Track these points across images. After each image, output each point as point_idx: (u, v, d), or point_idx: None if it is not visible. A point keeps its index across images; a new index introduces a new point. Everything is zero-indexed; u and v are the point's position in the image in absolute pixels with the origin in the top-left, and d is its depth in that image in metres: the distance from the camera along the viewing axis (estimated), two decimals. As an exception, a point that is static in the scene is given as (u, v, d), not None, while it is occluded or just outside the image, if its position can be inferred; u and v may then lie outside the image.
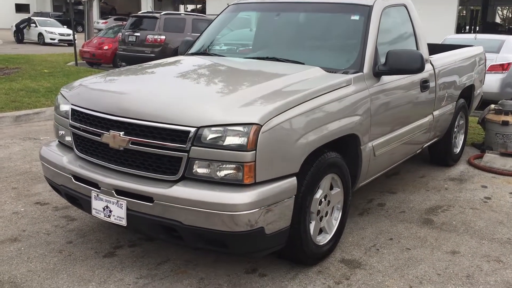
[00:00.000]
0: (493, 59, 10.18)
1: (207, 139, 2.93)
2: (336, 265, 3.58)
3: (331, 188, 3.63)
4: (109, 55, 15.86)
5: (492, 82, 10.01)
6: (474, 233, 4.20)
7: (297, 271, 3.48)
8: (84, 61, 16.79)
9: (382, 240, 4.01)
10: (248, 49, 5.06)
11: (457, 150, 6.20)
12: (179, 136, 2.98)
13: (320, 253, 3.55)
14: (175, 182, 3.02)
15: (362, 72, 3.89)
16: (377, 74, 4.00)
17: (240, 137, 2.90)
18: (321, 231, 3.61)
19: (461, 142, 6.29)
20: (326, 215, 3.60)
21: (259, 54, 4.37)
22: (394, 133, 4.32)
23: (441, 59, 5.28)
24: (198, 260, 3.58)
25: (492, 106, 6.76)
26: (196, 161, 2.97)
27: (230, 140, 2.91)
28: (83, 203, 3.43)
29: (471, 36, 11.33)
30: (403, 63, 3.89)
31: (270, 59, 4.12)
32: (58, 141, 3.78)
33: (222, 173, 2.94)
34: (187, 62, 4.32)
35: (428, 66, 4.88)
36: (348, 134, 3.63)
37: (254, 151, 2.89)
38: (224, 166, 2.93)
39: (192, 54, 4.68)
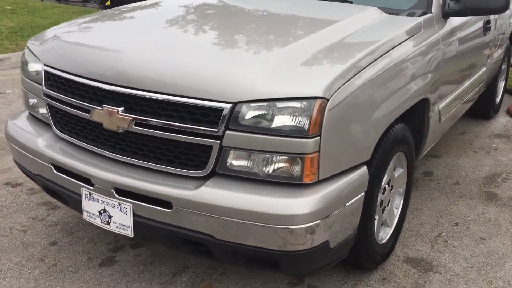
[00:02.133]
0: None
1: (248, 119, 2.02)
2: (402, 268, 2.80)
3: (394, 168, 2.79)
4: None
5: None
6: (551, 212, 3.45)
7: (355, 280, 2.69)
8: (52, -5, 15.16)
9: (447, 227, 3.23)
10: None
11: (498, 99, 5.38)
12: (207, 115, 2.06)
13: (382, 254, 2.76)
14: (202, 179, 2.13)
15: (431, 12, 2.95)
16: (447, 14, 3.06)
17: (296, 116, 1.99)
18: (381, 225, 2.80)
19: (501, 90, 5.46)
20: (388, 204, 2.78)
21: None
22: (458, 90, 3.45)
23: None
24: (226, 268, 2.75)
25: (534, 46, 5.88)
26: (232, 151, 2.07)
27: (282, 121, 2.00)
28: (70, 201, 2.53)
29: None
30: (482, 0, 2.95)
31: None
32: (29, 113, 2.81)
33: (270, 168, 2.05)
34: (192, 3, 3.28)
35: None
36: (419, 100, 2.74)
37: (319, 137, 1.99)
38: (274, 158, 2.04)
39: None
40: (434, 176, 3.95)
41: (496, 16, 4.25)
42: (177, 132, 2.11)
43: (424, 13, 2.91)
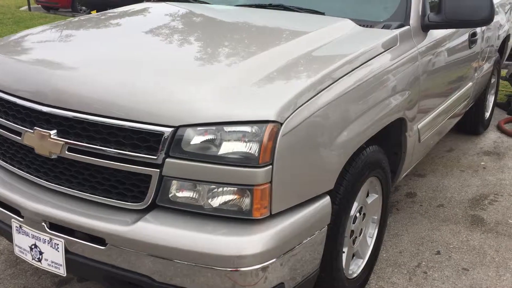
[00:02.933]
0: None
1: (192, 145, 1.78)
2: (375, 305, 2.55)
3: (367, 194, 2.55)
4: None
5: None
6: (541, 239, 3.21)
7: (323, 319, 2.43)
8: (39, 5, 14.95)
9: (428, 256, 2.98)
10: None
11: (488, 114, 5.15)
12: (146, 140, 1.81)
13: (353, 290, 2.51)
14: (142, 212, 1.88)
15: (408, 25, 2.72)
16: (426, 27, 2.83)
17: (246, 143, 1.75)
18: (352, 256, 2.55)
19: (491, 105, 5.23)
20: (360, 234, 2.53)
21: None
22: (440, 107, 3.21)
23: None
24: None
25: (524, 59, 5.68)
26: (175, 181, 1.82)
27: (230, 148, 1.76)
28: (4, 233, 2.27)
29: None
30: (464, 11, 2.72)
31: (275, 7, 2.89)
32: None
33: (216, 201, 1.81)
34: (157, 13, 3.04)
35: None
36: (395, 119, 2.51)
37: (270, 166, 1.75)
38: (221, 190, 1.79)
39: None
40: (417, 198, 3.71)
41: (484, 27, 4.03)
42: (113, 159, 1.86)
43: (401, 26, 2.67)
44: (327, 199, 2.02)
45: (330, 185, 2.03)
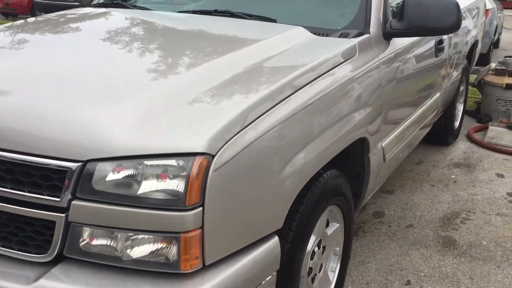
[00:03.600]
0: (470, 5, 8.95)
1: (104, 183, 1.45)
2: None
3: (327, 224, 2.25)
4: (25, 3, 13.55)
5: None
6: (517, 261, 2.97)
7: None
8: (-2, 12, 14.39)
9: (397, 287, 2.70)
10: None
11: (457, 123, 4.94)
12: (48, 178, 1.48)
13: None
14: (47, 265, 1.54)
15: (369, 33, 2.44)
16: (389, 35, 2.56)
17: (170, 180, 1.43)
18: (312, 295, 2.24)
19: (460, 113, 5.03)
20: (320, 270, 2.23)
21: (203, 5, 2.80)
22: (407, 121, 2.95)
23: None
24: None
25: (493, 65, 5.51)
26: (85, 228, 1.48)
27: (150, 187, 1.44)
28: None
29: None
30: (429, 18, 2.47)
31: (222, 14, 2.58)
32: None
33: (137, 252, 1.48)
34: (92, 19, 2.69)
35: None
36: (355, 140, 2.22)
37: (201, 208, 1.43)
38: (141, 238, 1.46)
39: (105, 4, 3.03)
40: (385, 218, 3.44)
41: (451, 34, 3.81)
42: (10, 201, 1.52)
43: (360, 34, 2.40)
44: (275, 241, 1.71)
45: (279, 223, 1.72)
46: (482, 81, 5.53)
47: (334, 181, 2.11)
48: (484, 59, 8.56)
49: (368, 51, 2.38)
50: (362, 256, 2.98)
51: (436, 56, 3.29)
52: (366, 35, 2.41)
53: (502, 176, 4.16)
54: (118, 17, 2.71)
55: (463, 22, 4.03)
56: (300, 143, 1.80)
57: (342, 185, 2.21)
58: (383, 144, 2.59)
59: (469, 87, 6.05)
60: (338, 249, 2.38)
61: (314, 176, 1.95)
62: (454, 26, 2.49)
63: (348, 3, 2.60)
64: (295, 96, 1.82)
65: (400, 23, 2.52)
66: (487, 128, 5.10)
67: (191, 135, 1.46)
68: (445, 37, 3.51)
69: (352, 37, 2.35)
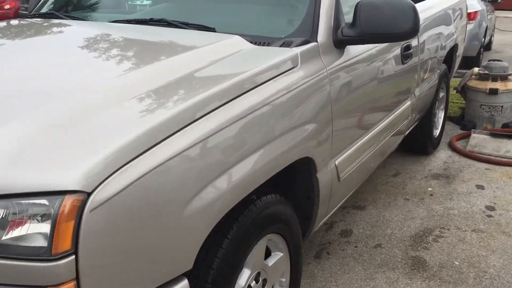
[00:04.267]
0: (458, 7, 8.73)
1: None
2: None
3: (268, 253, 2.02)
4: (11, 16, 13.33)
5: (458, 35, 8.60)
6: (492, 285, 2.73)
7: None
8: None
9: (356, 317, 2.48)
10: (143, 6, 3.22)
11: (437, 132, 4.71)
12: None
13: None
14: None
15: (316, 41, 2.22)
16: (341, 43, 2.34)
17: (36, 224, 1.20)
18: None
19: (441, 121, 4.79)
20: (260, 307, 2.00)
21: (138, 13, 2.57)
22: (368, 135, 2.72)
23: (424, 10, 3.66)
24: None
25: (476, 69, 5.29)
26: None
27: (14, 232, 1.21)
28: None
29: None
30: (383, 23, 2.25)
31: (157, 24, 2.35)
32: None
33: (4, 309, 1.25)
34: (11, 31, 2.48)
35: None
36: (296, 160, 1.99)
37: (73, 257, 1.21)
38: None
39: (38, 15, 2.80)
40: (352, 237, 3.21)
41: (425, 37, 3.59)
42: None
43: (306, 42, 2.17)
44: (183, 285, 1.48)
45: (187, 264, 1.50)
46: (465, 87, 5.30)
47: (271, 208, 1.89)
48: (474, 63, 8.34)
49: (314, 61, 2.15)
50: (322, 281, 2.75)
51: (403, 63, 3.06)
52: (312, 44, 2.18)
53: (482, 187, 3.93)
54: (49, 27, 2.49)
55: (438, 26, 3.84)
56: (218, 169, 1.57)
57: (283, 212, 1.98)
58: (337, 162, 2.37)
59: (453, 92, 5.85)
60: (284, 280, 2.15)
61: (243, 203, 1.72)
62: (411, 32, 2.27)
63: (294, 9, 2.39)
64: (214, 114, 1.60)
65: (352, 30, 2.30)
66: (470, 135, 4.87)
67: (62, 169, 1.23)
68: (414, 42, 3.29)
69: (296, 46, 2.13)
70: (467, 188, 3.91)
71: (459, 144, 4.81)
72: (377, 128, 2.81)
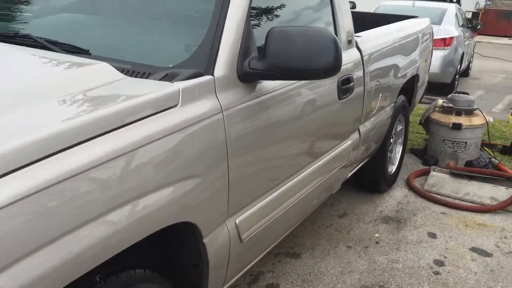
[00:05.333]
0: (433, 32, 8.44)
1: None
2: None
3: None
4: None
5: (433, 61, 8.23)
6: None
7: None
8: None
9: None
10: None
11: (393, 168, 4.33)
12: None
13: None
14: None
15: (211, 74, 1.81)
16: (247, 77, 1.93)
17: None
18: None
19: (398, 156, 4.42)
20: None
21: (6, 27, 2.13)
22: (285, 185, 2.30)
23: (374, 39, 3.29)
24: None
25: (440, 101, 4.94)
26: None
27: None
28: None
29: (409, 3, 9.53)
30: (297, 56, 1.85)
31: (22, 41, 1.92)
32: None
33: None
34: None
35: (352, 53, 2.88)
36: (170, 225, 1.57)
37: None
38: None
39: None
40: (277, 294, 2.80)
41: (375, 67, 3.22)
42: None
43: (198, 75, 1.76)
44: None
45: None
46: (429, 119, 4.95)
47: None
48: (449, 90, 8.06)
49: (205, 99, 1.74)
50: None
51: (341, 98, 2.67)
52: (205, 78, 1.77)
53: (434, 236, 3.54)
54: None
55: (393, 53, 3.46)
56: (43, 237, 1.15)
57: (145, 291, 1.56)
58: (238, 221, 1.95)
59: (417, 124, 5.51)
60: None
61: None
62: (329, 69, 1.88)
63: (191, 33, 1.97)
64: (54, 162, 1.19)
65: (261, 62, 1.90)
66: (429, 172, 4.50)
67: None
68: (359, 73, 2.91)
69: (183, 79, 1.71)
70: (418, 236, 3.52)
71: (417, 182, 4.44)
72: (301, 176, 2.40)
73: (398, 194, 4.24)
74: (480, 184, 4.24)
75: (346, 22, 2.82)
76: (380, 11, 9.46)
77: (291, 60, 1.85)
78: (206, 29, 1.88)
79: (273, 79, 1.94)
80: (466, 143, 4.72)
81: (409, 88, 4.40)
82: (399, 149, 4.41)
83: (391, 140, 4.11)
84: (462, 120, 4.68)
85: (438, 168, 4.51)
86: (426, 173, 4.57)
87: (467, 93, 5.02)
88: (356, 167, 3.44)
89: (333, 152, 2.73)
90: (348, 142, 2.94)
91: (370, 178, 4.00)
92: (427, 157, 4.92)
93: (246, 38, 1.95)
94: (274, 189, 2.19)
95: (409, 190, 4.32)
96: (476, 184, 4.24)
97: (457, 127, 4.66)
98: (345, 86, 2.69)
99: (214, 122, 1.74)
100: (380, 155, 3.87)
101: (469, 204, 4.03)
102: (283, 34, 1.87)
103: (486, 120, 4.75)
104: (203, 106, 1.72)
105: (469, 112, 4.74)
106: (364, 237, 3.47)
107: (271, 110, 2.06)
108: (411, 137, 5.68)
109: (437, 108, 4.90)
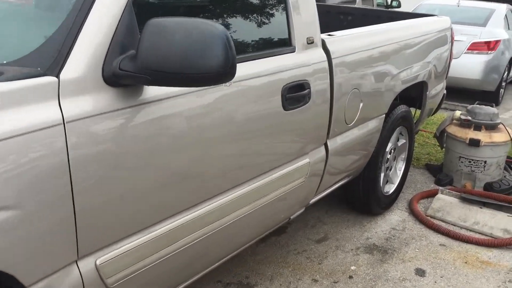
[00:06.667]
0: (476, 34, 7.69)
1: None
2: None
3: None
4: None
5: (474, 65, 7.54)
6: None
7: None
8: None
9: None
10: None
11: (391, 188, 3.77)
12: None
13: None
14: None
15: (56, 76, 1.41)
16: (118, 79, 1.52)
17: None
18: None
19: (399, 174, 3.86)
20: None
21: None
22: (184, 217, 1.86)
23: (351, 39, 2.78)
24: None
25: (457, 113, 4.32)
26: None
27: None
28: None
29: (453, 2, 8.76)
30: (174, 56, 1.43)
31: None
32: None
33: None
34: None
35: (311, 55, 2.40)
36: None
37: None
38: None
39: None
40: (207, 335, 2.37)
41: (343, 72, 2.72)
42: None
43: (34, 75, 1.37)
44: None
45: None
46: (444, 133, 4.35)
47: None
48: (493, 98, 7.31)
49: (35, 106, 1.35)
50: None
51: (287, 109, 2.20)
52: (42, 79, 1.38)
53: (422, 273, 3.00)
54: None
55: (378, 56, 2.95)
56: None
57: None
58: (99, 262, 1.55)
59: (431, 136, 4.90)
60: None
61: None
62: (215, 75, 1.45)
63: (43, 23, 1.58)
64: None
65: (133, 62, 1.48)
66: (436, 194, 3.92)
67: None
68: (318, 79, 2.42)
69: (5, 80, 1.33)
70: (402, 273, 2.99)
71: (422, 205, 3.87)
72: (213, 205, 1.94)
73: (395, 218, 3.69)
74: (493, 212, 3.62)
75: (304, 18, 2.35)
76: (420, 10, 8.75)
77: (166, 61, 1.44)
78: (62, 20, 1.49)
79: (145, 84, 1.52)
80: (485, 162, 4.09)
81: (416, 96, 3.85)
82: (400, 166, 3.86)
83: (388, 156, 3.57)
84: (482, 135, 4.06)
85: (447, 190, 3.92)
86: (434, 195, 3.98)
87: (491, 105, 4.37)
88: (330, 188, 2.96)
89: (275, 174, 2.26)
90: (304, 160, 2.46)
91: (359, 198, 3.49)
92: (441, 175, 4.32)
93: (124, 31, 1.55)
94: (167, 221, 1.77)
95: (409, 213, 3.76)
96: (488, 212, 3.63)
97: (474, 143, 4.04)
98: (294, 94, 2.22)
99: (48, 135, 1.34)
100: (369, 173, 3.35)
101: (476, 235, 3.43)
102: (159, 27, 1.45)
103: (511, 137, 4.10)
104: (31, 115, 1.33)
105: (491, 127, 4.11)
106: (337, 270, 2.98)
107: (162, 120, 1.64)
108: (430, 151, 5.08)
109: (454, 121, 4.29)
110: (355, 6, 7.82)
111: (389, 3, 10.23)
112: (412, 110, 3.87)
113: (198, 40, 1.43)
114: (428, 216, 3.69)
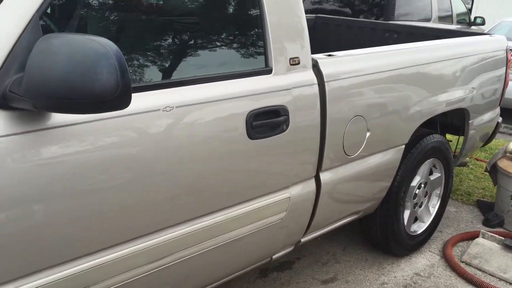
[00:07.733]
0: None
1: None
2: None
3: None
4: None
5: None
6: None
7: None
8: None
9: None
10: None
11: (421, 228, 3.33)
12: None
13: None
14: None
15: None
16: (9, 103, 1.36)
17: None
18: None
19: (433, 212, 3.40)
20: None
21: None
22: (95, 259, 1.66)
23: (354, 61, 2.44)
24: None
25: (511, 145, 3.78)
26: None
27: None
28: None
29: (539, 19, 7.94)
30: (55, 78, 1.24)
31: None
32: None
33: None
34: None
35: (294, 78, 2.11)
36: None
37: None
38: None
39: None
40: None
41: (341, 97, 2.41)
42: None
43: None
44: None
45: None
46: (496, 167, 3.82)
47: None
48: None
49: None
50: None
51: (254, 138, 1.93)
52: None
53: (435, 333, 2.57)
54: None
55: (397, 82, 2.59)
56: None
57: None
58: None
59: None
60: None
61: None
62: (102, 101, 1.25)
63: None
64: None
65: (20, 85, 1.32)
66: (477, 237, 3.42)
67: None
68: (302, 105, 2.13)
69: None
70: (411, 330, 2.58)
71: (459, 248, 3.39)
72: (140, 245, 1.72)
73: (423, 261, 3.25)
74: (541, 265, 3.08)
75: (286, 36, 2.07)
76: (501, 28, 8.02)
77: (47, 85, 1.25)
78: None
79: (32, 109, 1.34)
80: (542, 204, 3.53)
81: (457, 124, 3.40)
82: (435, 203, 3.41)
83: (417, 191, 3.15)
84: (538, 172, 3.51)
85: (490, 233, 3.41)
86: (473, 237, 3.48)
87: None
88: (330, 226, 2.63)
89: (241, 209, 1.99)
90: (282, 195, 2.16)
91: (376, 237, 3.11)
92: (490, 215, 3.79)
93: (24, 48, 1.38)
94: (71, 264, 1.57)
95: (441, 257, 3.30)
96: (535, 265, 3.09)
97: (528, 181, 3.50)
98: (264, 122, 1.95)
99: None
100: (387, 211, 2.96)
101: (514, 292, 2.93)
102: (46, 45, 1.27)
103: None
104: None
105: (549, 164, 3.54)
106: (335, 318, 2.64)
107: (66, 150, 1.46)
108: (486, 185, 4.51)
109: (507, 154, 3.76)
110: (427, 25, 7.28)
111: (472, 20, 9.54)
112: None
113: (81, 61, 1.23)
114: (463, 262, 3.21)
